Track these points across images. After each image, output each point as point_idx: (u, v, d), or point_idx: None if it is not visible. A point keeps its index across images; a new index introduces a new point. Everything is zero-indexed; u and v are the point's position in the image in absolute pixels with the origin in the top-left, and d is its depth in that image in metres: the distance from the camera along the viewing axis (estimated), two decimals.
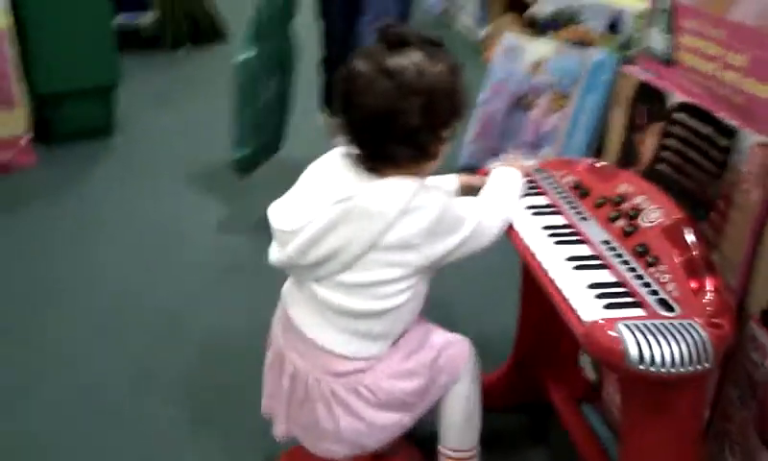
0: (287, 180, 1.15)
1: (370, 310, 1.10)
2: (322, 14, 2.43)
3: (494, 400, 1.49)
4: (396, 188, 1.05)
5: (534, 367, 1.51)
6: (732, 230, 1.06)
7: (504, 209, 1.19)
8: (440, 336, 1.21)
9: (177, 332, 1.76)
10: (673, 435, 1.01)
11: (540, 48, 2.64)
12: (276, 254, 1.13)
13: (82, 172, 2.65)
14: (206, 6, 4.27)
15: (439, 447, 1.26)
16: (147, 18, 4.07)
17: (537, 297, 1.44)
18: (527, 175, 1.30)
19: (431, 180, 1.16)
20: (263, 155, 2.28)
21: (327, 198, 1.06)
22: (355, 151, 1.08)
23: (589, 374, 1.52)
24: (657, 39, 1.27)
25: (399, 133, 1.04)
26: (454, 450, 1.24)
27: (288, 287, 1.21)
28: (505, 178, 1.26)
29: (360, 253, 1.05)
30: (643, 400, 0.98)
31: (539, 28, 2.92)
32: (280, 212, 1.11)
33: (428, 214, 1.05)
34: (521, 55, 2.66)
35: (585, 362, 1.54)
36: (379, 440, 1.17)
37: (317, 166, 1.15)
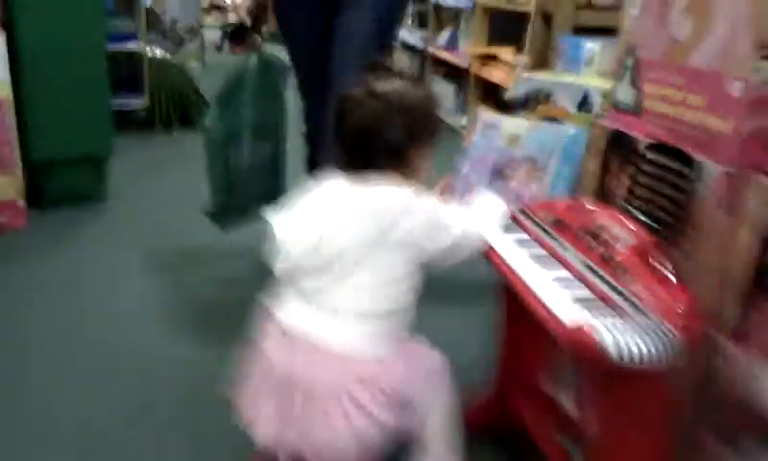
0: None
1: (385, 310, 1.18)
2: (299, 92, 2.50)
3: (471, 427, 1.53)
4: (397, 189, 1.19)
5: (510, 397, 1.56)
6: (701, 255, 1.15)
7: (485, 226, 1.33)
8: (423, 348, 1.28)
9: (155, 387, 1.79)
10: (640, 436, 1.07)
11: (515, 124, 2.80)
12: (281, 264, 1.21)
13: (71, 236, 2.71)
14: (194, 92, 4.45)
15: None
16: (139, 102, 4.23)
17: (517, 329, 1.52)
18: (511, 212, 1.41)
19: None
20: (240, 214, 2.35)
21: (331, 205, 1.18)
22: (347, 168, 1.21)
23: (566, 405, 1.57)
24: (624, 92, 1.40)
25: (385, 146, 1.19)
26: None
27: (292, 309, 1.23)
28: (489, 202, 1.41)
29: (365, 249, 1.14)
30: (614, 397, 1.05)
31: (513, 108, 3.10)
32: (285, 225, 1.21)
33: (427, 212, 1.20)
34: (498, 130, 2.82)
35: (561, 395, 1.59)
36: (385, 442, 1.20)
37: (315, 190, 1.24)
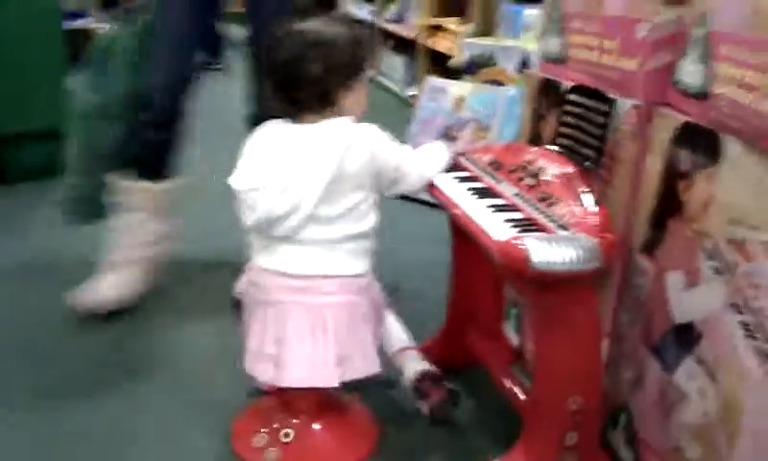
0: None
1: (360, 231, 1.33)
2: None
3: (432, 361, 1.68)
4: (339, 123, 1.30)
5: (464, 334, 1.71)
6: (617, 181, 1.32)
7: (428, 165, 1.47)
8: None
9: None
10: (574, 343, 1.22)
11: (460, 87, 2.95)
12: (250, 217, 1.29)
13: (32, 209, 2.75)
14: None
15: (392, 352, 1.54)
16: None
17: (465, 268, 1.67)
18: (453, 158, 1.55)
19: None
20: (97, 207, 2.02)
21: (283, 149, 1.29)
22: (284, 113, 1.33)
23: (513, 339, 1.74)
24: (551, 44, 1.55)
25: (306, 82, 1.29)
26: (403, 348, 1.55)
27: (270, 253, 1.33)
28: (433, 148, 1.53)
29: (322, 186, 1.26)
30: (546, 306, 1.20)
31: (458, 73, 3.25)
32: (242, 178, 1.30)
33: (368, 139, 1.32)
34: (445, 94, 2.97)
35: (508, 329, 1.76)
36: (371, 360, 1.37)
37: (257, 136, 1.34)
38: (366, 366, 1.34)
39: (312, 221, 1.28)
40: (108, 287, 1.90)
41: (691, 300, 1.14)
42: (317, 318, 1.29)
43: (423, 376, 1.50)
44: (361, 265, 1.36)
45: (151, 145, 1.92)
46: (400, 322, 1.59)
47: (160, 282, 2.06)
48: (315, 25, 1.32)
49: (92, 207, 1.99)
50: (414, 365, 1.52)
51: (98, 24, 4.20)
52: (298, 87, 1.30)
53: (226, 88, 2.42)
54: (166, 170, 1.97)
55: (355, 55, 1.33)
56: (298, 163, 1.27)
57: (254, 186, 1.28)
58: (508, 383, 1.54)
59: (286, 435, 1.40)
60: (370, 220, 1.35)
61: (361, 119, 1.38)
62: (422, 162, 1.46)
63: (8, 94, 2.84)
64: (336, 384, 1.30)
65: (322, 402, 1.45)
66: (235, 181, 1.31)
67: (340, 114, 1.32)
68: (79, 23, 4.12)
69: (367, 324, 1.36)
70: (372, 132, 1.33)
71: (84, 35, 4.24)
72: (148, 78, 1.86)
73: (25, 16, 2.82)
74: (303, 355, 1.29)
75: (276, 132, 1.32)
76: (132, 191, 1.94)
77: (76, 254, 2.33)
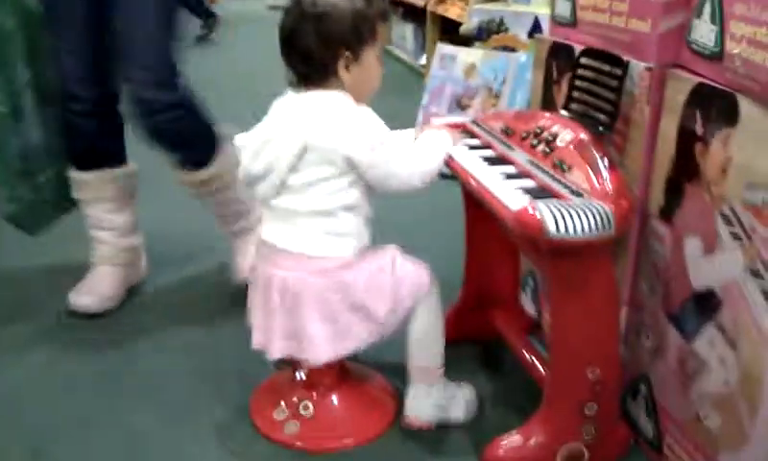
0: None
1: (325, 207, 1.29)
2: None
3: (449, 337, 1.67)
4: (324, 97, 1.29)
5: (481, 307, 1.70)
6: (631, 146, 1.29)
7: (426, 161, 1.36)
8: (404, 259, 1.36)
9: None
10: (591, 312, 1.20)
11: (471, 54, 2.91)
12: (240, 172, 1.36)
13: None
14: None
15: (409, 366, 1.40)
16: None
17: (479, 239, 1.66)
18: (460, 127, 1.52)
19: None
20: (50, 207, 1.93)
21: (274, 115, 1.32)
22: (293, 84, 1.33)
23: (530, 309, 1.73)
24: (561, 7, 1.51)
25: (300, 51, 1.29)
26: (423, 369, 1.39)
27: (265, 224, 1.38)
28: (434, 137, 1.42)
29: (296, 153, 1.26)
30: (562, 276, 1.18)
31: (469, 40, 3.20)
32: (241, 136, 1.36)
33: (347, 117, 1.28)
34: (455, 62, 2.93)
35: (525, 300, 1.75)
36: (349, 345, 1.33)
37: (274, 103, 1.36)
38: (311, 352, 1.31)
39: (285, 189, 1.30)
40: (98, 284, 1.87)
41: (710, 266, 1.12)
42: (268, 289, 1.33)
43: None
44: (327, 247, 1.31)
45: (87, 135, 1.81)
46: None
47: (161, 264, 2.07)
48: None
49: (39, 213, 1.88)
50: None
51: None
52: (296, 60, 1.30)
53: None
54: (114, 157, 1.90)
55: (356, 26, 1.29)
56: (276, 128, 1.31)
57: (242, 145, 1.35)
58: (526, 354, 1.54)
59: (305, 408, 1.41)
60: (340, 199, 1.29)
61: (372, 93, 1.37)
62: (415, 158, 1.35)
63: None
64: (276, 357, 1.35)
65: (341, 375, 1.46)
66: (237, 138, 1.37)
67: (344, 87, 1.30)
68: None
69: (321, 308, 1.29)
70: (356, 116, 1.29)
71: None
72: (55, 68, 1.74)
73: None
74: (258, 325, 1.37)
75: (282, 99, 1.34)
76: (85, 184, 1.85)
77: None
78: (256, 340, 1.37)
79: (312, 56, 1.28)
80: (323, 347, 1.30)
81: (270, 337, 1.34)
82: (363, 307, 1.30)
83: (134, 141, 1.86)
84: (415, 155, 1.36)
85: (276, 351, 1.34)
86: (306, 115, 1.28)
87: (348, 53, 1.29)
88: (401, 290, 1.32)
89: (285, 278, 1.30)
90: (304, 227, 1.31)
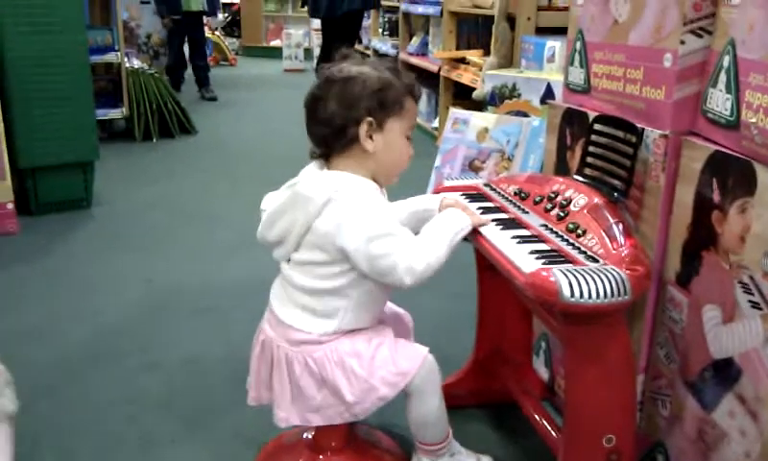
0: None
1: (311, 287, 1.29)
2: None
3: (461, 399, 1.65)
4: (328, 178, 1.25)
5: (494, 370, 1.68)
6: (647, 212, 1.28)
7: (436, 254, 1.24)
8: (392, 347, 1.31)
9: (155, 366, 1.88)
10: (607, 378, 1.18)
11: (483, 118, 2.95)
12: (258, 232, 1.34)
13: (62, 238, 2.82)
14: (172, 101, 4.55)
15: (415, 441, 1.40)
16: (118, 113, 4.33)
17: (492, 302, 1.64)
18: (473, 189, 1.53)
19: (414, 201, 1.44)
20: None
21: (293, 187, 1.27)
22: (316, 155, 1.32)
23: (543, 374, 1.70)
24: (575, 74, 1.53)
25: (323, 117, 1.26)
26: (425, 444, 1.38)
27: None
28: (448, 221, 1.31)
29: (301, 233, 1.25)
30: (577, 342, 1.16)
31: (481, 105, 3.25)
32: (268, 199, 1.34)
33: (345, 207, 1.22)
34: (468, 125, 2.97)
35: (537, 364, 1.72)
36: (320, 417, 1.31)
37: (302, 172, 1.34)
38: (277, 410, 1.33)
39: (291, 260, 1.31)
40: None
41: (729, 335, 1.10)
42: (259, 342, 1.38)
43: None
44: (305, 322, 1.29)
45: None
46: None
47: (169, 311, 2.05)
48: (339, 64, 1.28)
49: None
50: None
51: (123, 58, 4.30)
52: (319, 127, 1.28)
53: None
54: None
55: (380, 92, 1.25)
56: (290, 203, 1.27)
57: (263, 208, 1.34)
58: (539, 419, 1.51)
59: None
60: (326, 283, 1.27)
61: (398, 171, 1.32)
62: (418, 252, 1.23)
63: (36, 127, 2.91)
64: (253, 404, 1.38)
65: (348, 438, 1.43)
66: (264, 200, 1.36)
67: (367, 158, 1.27)
68: (105, 57, 4.23)
69: (289, 374, 1.31)
70: (359, 207, 1.23)
71: (109, 69, 4.38)
72: None
73: (53, 49, 2.90)
74: (254, 380, 1.41)
75: (303, 172, 1.31)
76: None
77: (97, 283, 2.37)
78: (250, 387, 1.40)
79: (334, 119, 1.25)
80: (286, 409, 1.32)
81: (256, 385, 1.38)
82: (332, 386, 1.28)
83: None
84: (420, 250, 1.24)
85: (255, 399, 1.39)
86: (315, 198, 1.23)
87: (370, 118, 1.25)
88: (373, 380, 1.27)
89: (267, 338, 1.35)
90: (293, 299, 1.32)
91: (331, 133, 1.26)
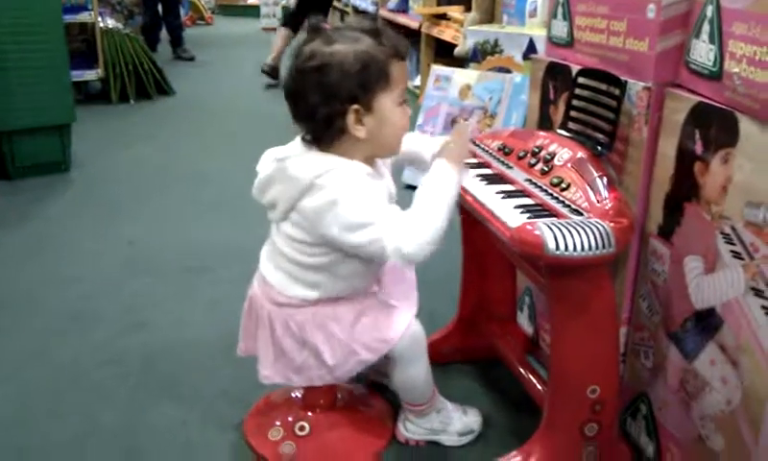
0: None
1: (294, 259, 1.27)
2: None
3: (447, 356, 1.66)
4: (314, 161, 1.19)
5: (478, 326, 1.69)
6: (630, 165, 1.29)
7: (431, 231, 1.14)
8: (377, 315, 1.30)
9: (140, 327, 1.88)
10: (591, 330, 1.19)
11: (465, 75, 2.92)
12: (253, 192, 1.33)
13: (41, 202, 2.78)
14: (149, 64, 4.46)
15: (401, 401, 1.42)
16: (94, 74, 4.24)
17: (476, 257, 1.65)
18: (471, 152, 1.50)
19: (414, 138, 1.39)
20: None
21: (282, 162, 1.24)
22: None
23: (527, 328, 1.72)
24: (558, 27, 1.52)
25: (304, 110, 1.19)
26: (410, 404, 1.40)
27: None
28: (439, 183, 1.19)
29: (287, 208, 1.24)
30: (562, 295, 1.18)
31: (465, 64, 3.22)
32: (263, 160, 1.30)
33: (327, 195, 1.17)
34: (450, 82, 2.94)
35: (522, 319, 1.74)
36: (302, 378, 1.33)
37: (292, 143, 1.31)
38: (260, 367, 1.35)
39: (277, 227, 1.31)
40: None
41: (711, 285, 1.11)
42: (248, 299, 1.40)
43: None
44: (290, 288, 1.29)
45: None
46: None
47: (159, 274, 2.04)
48: (310, 46, 1.18)
49: None
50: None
51: (97, 17, 4.20)
52: (303, 121, 1.22)
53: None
54: None
55: (362, 73, 1.16)
56: (279, 176, 1.25)
57: (258, 169, 1.30)
58: (525, 373, 1.53)
59: (301, 428, 1.39)
60: (309, 259, 1.26)
61: (398, 139, 1.26)
62: (407, 233, 1.14)
63: (10, 90, 2.84)
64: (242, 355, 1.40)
65: (336, 396, 1.44)
66: (261, 160, 1.31)
67: (361, 143, 1.20)
68: (78, 17, 4.11)
69: (271, 333, 1.32)
70: (343, 195, 1.16)
71: (83, 29, 4.27)
72: None
73: (27, 12, 2.83)
74: (243, 333, 1.43)
75: (294, 143, 1.27)
76: None
77: (78, 247, 2.35)
78: (240, 338, 1.42)
79: (317, 114, 1.17)
80: (269, 367, 1.33)
81: (245, 337, 1.40)
82: (313, 348, 1.29)
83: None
84: (410, 230, 1.14)
85: (243, 350, 1.41)
86: (299, 180, 1.19)
87: (355, 106, 1.17)
88: (354, 344, 1.27)
89: (254, 294, 1.36)
90: (278, 263, 1.31)
91: (318, 128, 1.20)
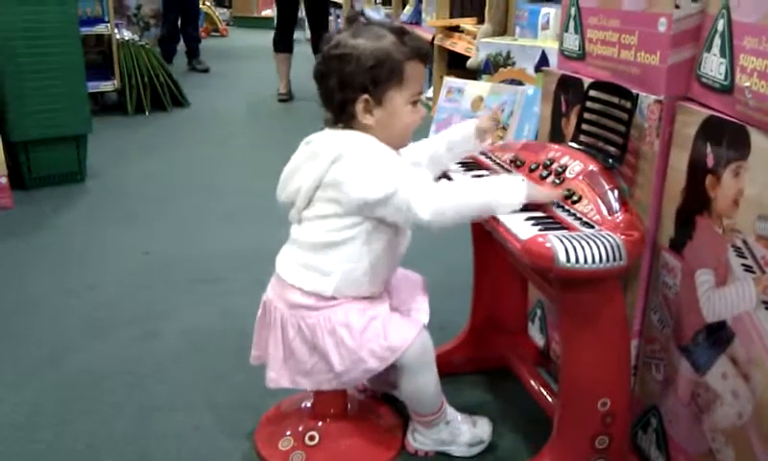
0: None
1: (318, 242, 1.30)
2: None
3: (457, 367, 1.67)
4: (338, 136, 1.29)
5: (489, 337, 1.69)
6: (641, 178, 1.29)
7: (470, 205, 1.23)
8: (386, 321, 1.31)
9: (153, 335, 1.89)
10: (602, 343, 1.19)
11: (478, 87, 2.93)
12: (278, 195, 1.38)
13: (57, 211, 2.81)
14: (164, 74, 4.51)
15: (409, 411, 1.42)
16: (110, 85, 4.29)
17: (487, 269, 1.65)
18: (470, 159, 1.53)
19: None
20: None
21: (306, 150, 1.33)
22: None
23: (538, 340, 1.72)
24: (570, 40, 1.53)
25: (324, 92, 1.30)
26: (419, 415, 1.40)
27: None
28: (503, 190, 1.24)
29: (313, 187, 1.28)
30: (573, 307, 1.18)
31: (476, 73, 3.23)
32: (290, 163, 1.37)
33: (354, 159, 1.25)
34: (462, 94, 2.95)
35: (533, 331, 1.74)
36: (309, 382, 1.33)
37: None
38: (269, 371, 1.36)
39: (301, 219, 1.33)
40: None
41: (722, 298, 1.11)
42: (262, 305, 1.41)
43: None
44: (304, 279, 1.30)
45: None
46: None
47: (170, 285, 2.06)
48: (338, 36, 1.28)
49: None
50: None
51: (114, 29, 4.26)
52: (323, 101, 1.32)
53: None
54: None
55: (376, 68, 1.24)
56: (301, 163, 1.33)
57: (283, 171, 1.37)
58: (535, 385, 1.53)
59: (311, 438, 1.40)
60: (331, 236, 1.28)
61: (405, 137, 1.33)
62: (433, 193, 1.23)
63: (27, 100, 2.88)
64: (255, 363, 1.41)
65: (346, 405, 1.45)
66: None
67: (368, 129, 1.28)
68: (94, 29, 4.18)
69: (282, 336, 1.33)
70: (372, 159, 1.25)
71: (99, 41, 4.33)
72: None
73: (44, 22, 2.87)
74: (257, 340, 1.44)
75: (316, 135, 1.34)
76: None
77: (93, 256, 2.37)
78: (253, 346, 1.43)
79: (333, 97, 1.28)
80: (278, 370, 1.34)
81: (258, 344, 1.41)
82: (322, 353, 1.30)
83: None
84: (437, 193, 1.23)
85: (256, 358, 1.42)
86: (326, 154, 1.27)
87: (366, 96, 1.26)
88: (362, 352, 1.28)
89: (268, 299, 1.37)
90: (295, 256, 1.33)
91: (334, 110, 1.31)
